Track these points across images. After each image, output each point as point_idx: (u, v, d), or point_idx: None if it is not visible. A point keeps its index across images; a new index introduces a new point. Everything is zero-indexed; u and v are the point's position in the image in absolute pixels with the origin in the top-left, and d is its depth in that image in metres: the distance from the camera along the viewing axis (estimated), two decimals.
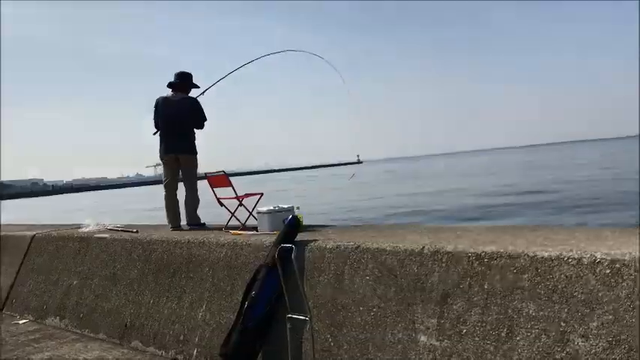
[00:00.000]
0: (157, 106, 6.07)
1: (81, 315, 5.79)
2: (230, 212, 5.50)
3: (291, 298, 3.87)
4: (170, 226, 6.03)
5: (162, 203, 6.06)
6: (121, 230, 6.24)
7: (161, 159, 6.11)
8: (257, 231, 4.91)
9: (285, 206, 4.89)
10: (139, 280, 5.32)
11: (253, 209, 5.28)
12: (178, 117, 6.01)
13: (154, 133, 6.21)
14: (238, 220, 5.54)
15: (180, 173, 6.15)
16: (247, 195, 5.27)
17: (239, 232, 4.92)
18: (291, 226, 4.13)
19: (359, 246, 3.68)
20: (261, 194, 5.38)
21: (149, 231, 6.08)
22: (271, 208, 4.85)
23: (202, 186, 5.93)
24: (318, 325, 3.69)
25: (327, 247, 3.85)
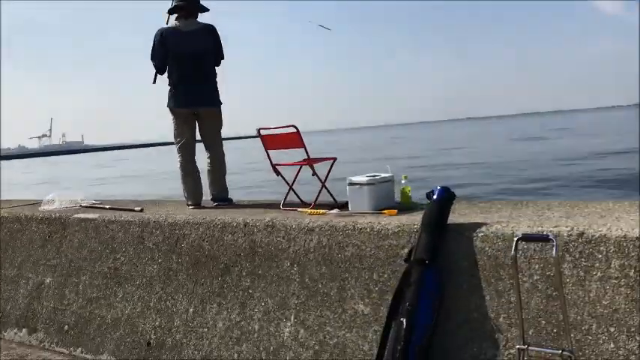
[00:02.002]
0: (162, 40, 4.43)
1: (65, 327, 4.14)
2: (287, 183, 4.04)
3: (454, 310, 2.61)
4: (189, 203, 4.47)
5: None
6: (115, 209, 4.59)
7: (173, 112, 4.51)
8: (344, 209, 3.54)
9: (386, 175, 3.55)
10: (162, 279, 3.78)
11: (326, 179, 3.87)
12: (198, 54, 4.42)
13: (155, 81, 4.58)
14: (297, 195, 4.11)
15: (198, 132, 4.58)
16: (316, 160, 3.85)
17: (319, 211, 3.52)
18: (443, 202, 2.83)
19: (583, 233, 2.45)
20: (334, 159, 3.98)
21: (155, 209, 4.49)
22: (368, 177, 3.49)
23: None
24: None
25: (515, 232, 2.58)
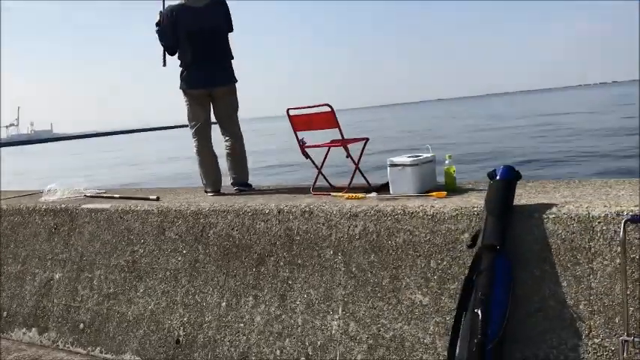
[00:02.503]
0: (173, 19, 4.11)
1: (81, 326, 3.88)
2: (315, 166, 3.80)
3: (524, 297, 2.42)
4: (208, 190, 4.21)
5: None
6: (126, 198, 4.30)
7: (186, 94, 4.21)
8: (382, 192, 3.33)
9: (428, 154, 3.34)
10: (188, 272, 3.53)
11: (359, 161, 3.64)
12: (213, 31, 4.13)
13: (165, 62, 4.28)
14: (325, 178, 3.87)
15: (213, 114, 4.30)
16: (349, 141, 3.61)
17: (358, 195, 3.30)
18: (508, 183, 2.63)
19: None
20: (366, 139, 3.74)
21: (171, 197, 4.22)
22: (410, 157, 3.28)
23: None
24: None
25: (593, 215, 2.40)
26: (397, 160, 3.25)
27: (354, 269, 2.95)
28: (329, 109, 3.44)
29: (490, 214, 2.55)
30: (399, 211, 2.90)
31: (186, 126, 4.28)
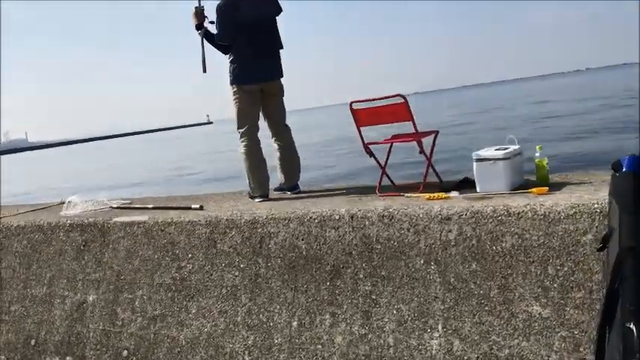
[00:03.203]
0: (234, 12, 3.71)
1: (124, 353, 3.49)
2: (379, 165, 3.45)
3: None
4: (256, 195, 3.84)
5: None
6: (162, 208, 3.92)
7: (240, 90, 3.81)
8: (463, 191, 2.99)
9: (515, 147, 3.00)
10: (248, 288, 3.17)
11: (431, 156, 3.29)
12: (270, 20, 3.80)
13: (205, 68, 3.91)
14: (389, 177, 3.52)
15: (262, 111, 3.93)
16: (422, 134, 3.26)
17: (441, 194, 2.96)
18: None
19: None
20: (437, 132, 3.39)
21: (215, 206, 3.85)
22: (498, 149, 2.94)
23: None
24: None
25: None
26: (485, 153, 2.92)
27: (452, 280, 2.61)
28: (402, 100, 3.09)
29: (624, 211, 2.22)
30: (501, 212, 2.57)
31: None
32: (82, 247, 3.93)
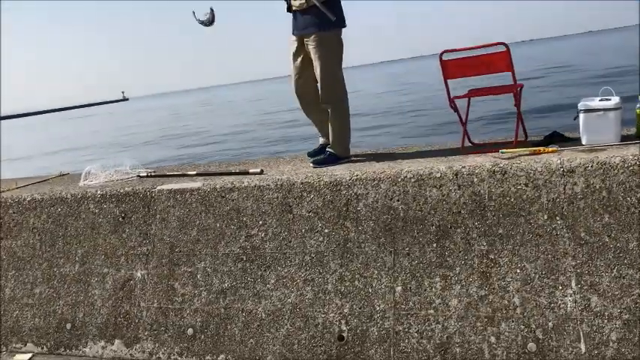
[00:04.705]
0: None
1: (189, 331, 3.19)
2: (460, 121, 3.27)
3: None
4: (343, 156, 3.57)
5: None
6: (213, 174, 3.59)
7: (338, 35, 3.45)
8: (562, 144, 2.88)
9: (616, 97, 2.90)
10: (337, 254, 2.94)
11: (519, 110, 3.14)
12: None
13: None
14: (468, 136, 3.35)
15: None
16: (517, 85, 3.08)
17: (547, 149, 2.83)
18: None
19: None
20: (521, 85, 3.24)
21: (275, 169, 3.57)
22: (604, 100, 2.84)
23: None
24: None
25: None
26: (592, 104, 2.80)
27: (583, 234, 2.50)
28: (504, 49, 2.91)
29: None
30: (631, 162, 2.46)
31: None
32: (121, 219, 3.56)
